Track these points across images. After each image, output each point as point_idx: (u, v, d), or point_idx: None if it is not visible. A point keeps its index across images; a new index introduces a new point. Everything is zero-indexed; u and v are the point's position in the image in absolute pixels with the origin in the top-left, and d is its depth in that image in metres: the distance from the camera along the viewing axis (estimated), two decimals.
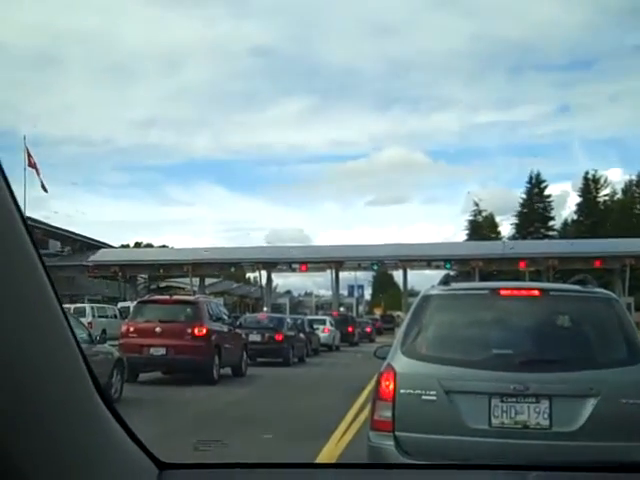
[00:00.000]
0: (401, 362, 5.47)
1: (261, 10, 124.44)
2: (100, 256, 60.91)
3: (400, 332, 5.92)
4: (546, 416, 5.08)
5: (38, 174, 43.74)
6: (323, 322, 38.89)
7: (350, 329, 44.80)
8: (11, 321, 1.06)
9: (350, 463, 4.75)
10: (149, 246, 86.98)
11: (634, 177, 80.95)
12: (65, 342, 1.26)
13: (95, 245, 64.88)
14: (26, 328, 1.10)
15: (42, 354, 1.15)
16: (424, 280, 50.18)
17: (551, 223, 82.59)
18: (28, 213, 40.77)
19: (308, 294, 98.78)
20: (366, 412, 10.45)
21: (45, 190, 44.67)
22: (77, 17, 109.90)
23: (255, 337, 24.48)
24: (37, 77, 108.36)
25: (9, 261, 1.08)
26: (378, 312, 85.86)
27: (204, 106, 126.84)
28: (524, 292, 5.89)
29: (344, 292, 79.14)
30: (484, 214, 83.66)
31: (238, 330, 21.23)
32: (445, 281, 6.14)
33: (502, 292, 5.80)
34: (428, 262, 58.37)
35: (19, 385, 1.07)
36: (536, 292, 5.82)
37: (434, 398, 5.23)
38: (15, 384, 1.06)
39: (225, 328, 19.28)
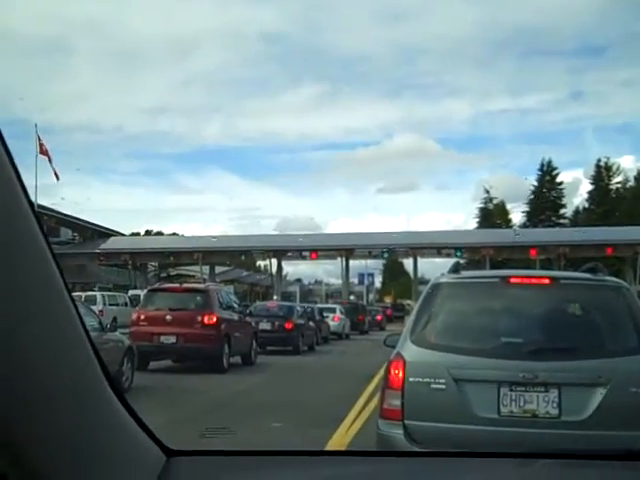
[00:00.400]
0: (410, 350, 5.47)
1: None
2: (111, 244, 61.19)
3: (410, 320, 5.92)
4: (555, 405, 5.07)
5: (50, 162, 43.81)
6: (333, 310, 38.99)
7: (361, 317, 45.08)
8: (20, 309, 1.06)
9: (359, 450, 4.76)
10: (159, 234, 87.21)
11: None
12: (74, 330, 1.26)
13: (106, 233, 65.11)
14: (34, 316, 1.10)
15: (50, 342, 1.15)
16: (434, 268, 50.25)
17: (562, 211, 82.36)
18: (39, 201, 41.02)
19: (318, 282, 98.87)
20: (376, 400, 10.49)
21: (57, 178, 44.77)
22: (87, 4, 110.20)
23: (265, 325, 24.53)
24: (48, 65, 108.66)
25: (17, 249, 1.08)
26: (388, 300, 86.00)
27: (215, 93, 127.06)
28: (534, 280, 5.87)
29: (354, 280, 79.20)
30: (495, 202, 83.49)
31: (248, 318, 21.27)
32: (455, 269, 6.13)
33: (512, 280, 5.78)
34: (438, 250, 58.43)
35: (27, 372, 1.07)
36: (546, 280, 5.80)
37: (443, 387, 5.23)
38: (24, 372, 1.06)
39: (235, 316, 19.34)
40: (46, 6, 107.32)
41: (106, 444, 1.36)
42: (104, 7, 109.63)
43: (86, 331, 1.31)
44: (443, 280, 5.95)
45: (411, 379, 5.32)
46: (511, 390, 5.13)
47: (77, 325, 1.27)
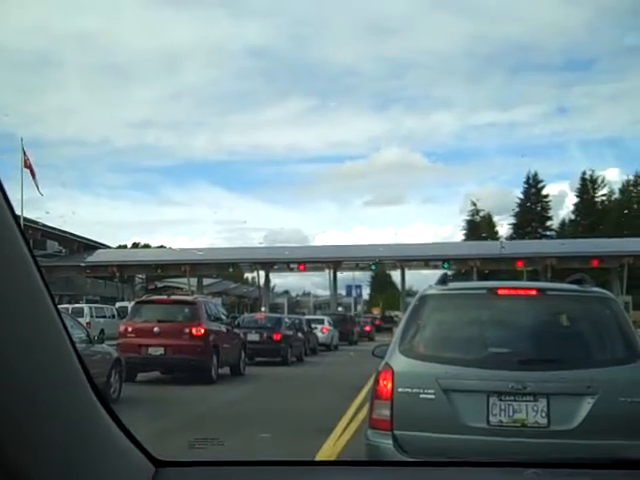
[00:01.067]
0: (399, 361, 5.49)
1: (259, 11, 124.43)
2: (98, 256, 60.97)
3: (398, 331, 5.93)
4: (544, 414, 5.10)
5: (33, 176, 43.63)
6: (321, 322, 38.96)
7: (350, 328, 45.42)
8: (4, 322, 1.07)
9: (348, 460, 4.77)
10: (147, 246, 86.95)
11: (632, 177, 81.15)
12: (60, 343, 1.27)
13: (93, 246, 64.87)
14: (20, 329, 1.11)
15: (36, 355, 1.15)
16: (422, 280, 50.41)
17: (549, 223, 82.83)
18: (25, 214, 40.85)
19: (306, 294, 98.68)
20: (364, 411, 10.48)
21: (40, 192, 44.56)
22: (74, 19, 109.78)
23: (253, 337, 24.49)
24: (34, 79, 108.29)
25: (1, 262, 1.09)
26: (376, 312, 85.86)
27: (202, 107, 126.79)
28: (521, 291, 5.91)
29: (342, 292, 79.16)
30: (482, 214, 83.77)
31: (236, 330, 21.24)
32: (443, 280, 6.15)
33: (500, 292, 5.81)
34: (426, 262, 58.47)
35: (13, 385, 1.08)
36: (533, 291, 5.84)
37: (432, 397, 5.25)
38: (9, 385, 1.07)
39: (223, 328, 19.30)
40: (33, 20, 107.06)
41: (94, 456, 1.37)
42: (92, 22, 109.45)
43: (72, 344, 1.32)
44: (431, 292, 5.97)
45: (400, 389, 5.34)
46: (500, 400, 5.15)
47: (63, 338, 1.28)
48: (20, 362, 1.09)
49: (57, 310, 1.27)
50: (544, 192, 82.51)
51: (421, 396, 5.27)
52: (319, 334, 35.96)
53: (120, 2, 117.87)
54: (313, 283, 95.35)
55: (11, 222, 1.12)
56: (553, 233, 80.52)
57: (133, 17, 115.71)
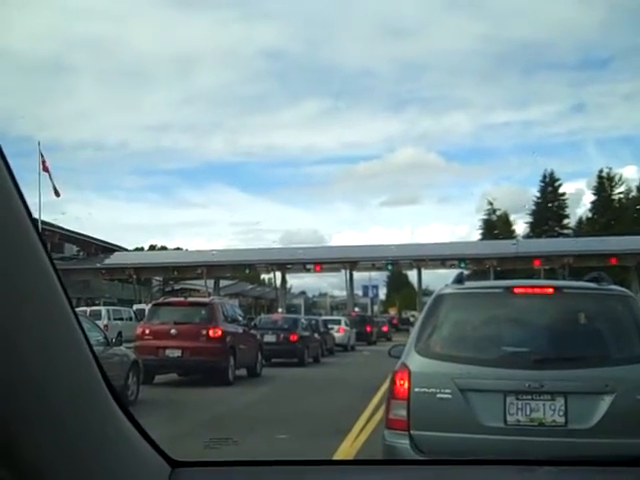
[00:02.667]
0: (415, 361, 5.48)
1: (273, 12, 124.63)
2: (115, 259, 61.19)
3: (414, 331, 5.92)
4: (562, 413, 5.07)
5: (51, 178, 43.98)
6: (338, 322, 39.04)
7: (368, 329, 46.01)
8: (22, 325, 1.07)
9: (366, 460, 4.76)
10: (163, 249, 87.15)
11: None
12: (78, 346, 1.27)
13: (110, 248, 65.10)
14: (38, 332, 1.12)
15: (54, 358, 1.16)
16: (439, 279, 50.24)
17: (566, 221, 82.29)
18: (43, 217, 41.12)
19: (322, 295, 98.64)
20: (381, 412, 10.47)
21: (57, 194, 44.86)
22: (90, 23, 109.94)
23: (270, 338, 24.52)
24: (52, 83, 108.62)
25: (19, 265, 1.09)
26: (393, 312, 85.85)
27: (217, 109, 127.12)
28: (538, 290, 5.88)
29: (359, 292, 79.09)
30: (498, 213, 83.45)
31: (253, 331, 21.27)
32: (459, 280, 6.13)
33: (516, 290, 5.79)
34: (442, 261, 58.31)
35: (31, 388, 1.09)
36: (550, 290, 5.80)
37: (449, 396, 5.24)
38: (27, 387, 1.08)
39: (240, 329, 19.33)
40: (49, 25, 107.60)
41: (111, 456, 1.38)
42: (107, 26, 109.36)
43: (90, 346, 1.33)
44: (447, 291, 5.96)
45: (416, 389, 5.33)
46: (517, 399, 5.13)
47: (81, 340, 1.28)
48: (38, 366, 1.10)
49: (75, 313, 1.27)
50: (561, 190, 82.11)
51: (438, 396, 5.26)
52: (336, 334, 35.98)
53: (135, 6, 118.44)
54: (329, 284, 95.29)
55: (29, 226, 1.13)
56: (570, 231, 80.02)
57: (149, 20, 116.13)
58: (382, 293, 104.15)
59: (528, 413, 5.12)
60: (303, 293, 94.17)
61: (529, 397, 5.12)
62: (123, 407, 1.47)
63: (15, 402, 1.05)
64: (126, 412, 1.49)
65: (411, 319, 65.12)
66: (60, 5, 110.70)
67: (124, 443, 1.47)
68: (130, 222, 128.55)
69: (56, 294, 1.20)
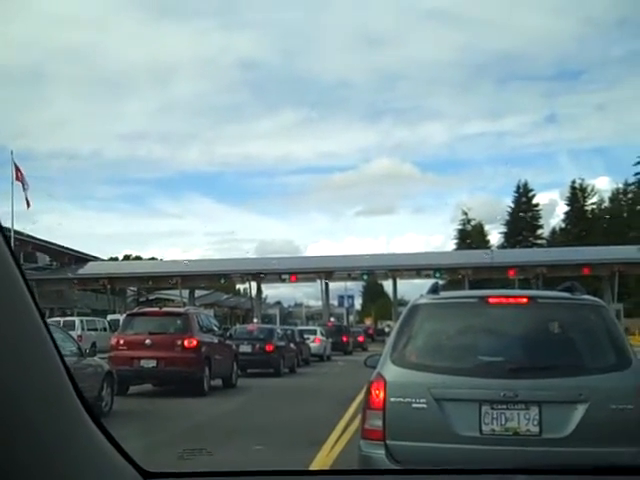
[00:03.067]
0: (391, 371, 5.48)
1: (250, 23, 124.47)
2: (89, 269, 60.75)
3: (389, 341, 5.93)
4: (536, 422, 5.10)
5: (24, 189, 43.58)
6: (314, 332, 39.01)
7: (345, 339, 45.88)
8: None
9: (342, 470, 4.75)
10: (138, 259, 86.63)
11: (621, 185, 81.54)
12: (48, 356, 1.26)
13: (84, 258, 64.63)
14: (8, 342, 1.10)
15: (24, 368, 1.15)
16: (414, 289, 50.39)
17: (539, 231, 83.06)
18: (15, 226, 40.74)
19: (298, 305, 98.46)
20: (357, 422, 10.45)
21: (28, 205, 44.46)
22: (65, 32, 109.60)
23: (246, 348, 24.45)
24: (25, 92, 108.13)
25: None
26: (368, 322, 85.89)
27: (193, 119, 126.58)
28: (512, 300, 5.91)
29: (334, 302, 79.00)
30: (473, 223, 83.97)
31: (228, 341, 21.19)
32: (434, 290, 6.15)
33: (491, 300, 5.81)
34: (418, 271, 58.48)
35: (4, 396, 1.07)
36: (524, 300, 5.83)
37: (424, 406, 5.24)
38: (0, 395, 1.07)
39: (215, 339, 19.27)
40: (24, 34, 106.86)
41: (83, 467, 1.37)
42: (82, 35, 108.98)
43: (61, 357, 1.31)
44: (422, 301, 5.97)
45: (392, 399, 5.33)
46: (492, 408, 5.15)
47: (51, 351, 1.27)
48: (6, 376, 1.09)
49: (46, 324, 1.26)
50: (534, 201, 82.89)
51: (413, 406, 5.27)
52: (312, 345, 35.94)
53: (111, 15, 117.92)
54: (305, 294, 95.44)
55: None
56: (544, 241, 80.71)
57: (124, 30, 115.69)
58: (358, 303, 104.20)
59: (503, 422, 5.13)
60: (278, 303, 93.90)
61: (504, 406, 5.14)
62: (95, 418, 1.46)
63: None
64: (98, 423, 1.48)
65: (386, 329, 65.20)
66: (37, 13, 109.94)
67: (96, 454, 1.45)
68: (104, 232, 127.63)
69: (26, 304, 1.18)
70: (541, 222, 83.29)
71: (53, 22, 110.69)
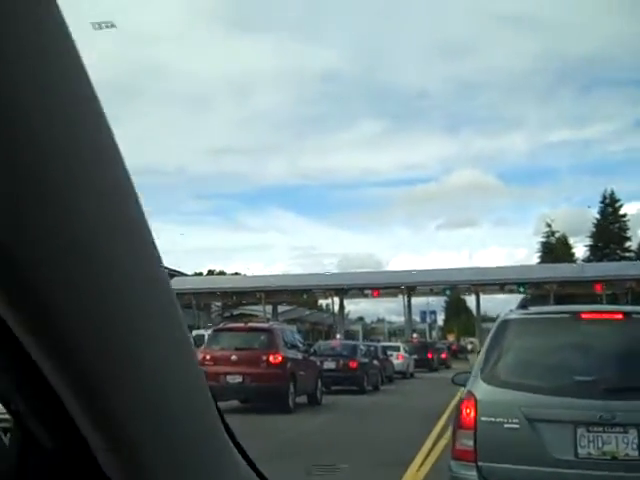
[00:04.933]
0: (481, 389, 5.39)
1: (329, 34, 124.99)
2: (175, 284, 60.91)
3: (479, 358, 5.84)
4: (635, 446, 4.92)
5: None
6: (397, 349, 38.81)
7: (430, 355, 45.90)
8: (149, 340, 1.03)
9: None
10: (222, 273, 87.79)
11: None
12: (194, 365, 1.22)
13: (170, 274, 65.75)
14: (159, 342, 1.06)
15: (174, 380, 1.12)
16: (497, 305, 49.76)
17: (628, 244, 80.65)
18: None
19: (380, 320, 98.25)
20: (443, 441, 10.34)
21: None
22: (147, 49, 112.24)
23: (330, 364, 24.44)
24: (111, 109, 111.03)
25: (144, 282, 1.04)
26: (451, 338, 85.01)
27: (274, 132, 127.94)
28: (606, 315, 5.76)
29: (416, 318, 78.47)
30: (557, 235, 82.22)
31: (312, 357, 21.22)
32: (524, 305, 6.05)
33: (583, 315, 5.68)
34: (501, 286, 57.59)
35: (160, 413, 1.06)
36: (619, 315, 5.68)
37: (517, 426, 5.13)
38: (155, 411, 1.05)
39: (300, 355, 19.31)
40: (111, 51, 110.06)
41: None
42: (164, 52, 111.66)
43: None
44: (512, 316, 5.88)
45: (483, 418, 5.24)
46: (588, 431, 4.99)
47: (195, 360, 1.22)
48: (158, 383, 1.06)
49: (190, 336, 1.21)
50: (622, 211, 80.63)
51: (505, 425, 5.16)
52: (395, 361, 35.71)
53: (192, 30, 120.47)
54: (386, 309, 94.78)
55: (152, 239, 1.07)
56: (632, 254, 78.43)
57: (207, 45, 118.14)
58: (440, 319, 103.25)
59: (600, 446, 4.97)
60: (361, 319, 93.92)
61: (601, 429, 4.99)
62: (232, 436, 1.43)
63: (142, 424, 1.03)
64: (236, 442, 1.46)
65: (469, 346, 64.36)
66: (120, 30, 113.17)
67: (233, 469, 1.43)
68: (189, 247, 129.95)
69: (176, 312, 1.14)
70: (629, 233, 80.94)
71: (135, 39, 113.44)
